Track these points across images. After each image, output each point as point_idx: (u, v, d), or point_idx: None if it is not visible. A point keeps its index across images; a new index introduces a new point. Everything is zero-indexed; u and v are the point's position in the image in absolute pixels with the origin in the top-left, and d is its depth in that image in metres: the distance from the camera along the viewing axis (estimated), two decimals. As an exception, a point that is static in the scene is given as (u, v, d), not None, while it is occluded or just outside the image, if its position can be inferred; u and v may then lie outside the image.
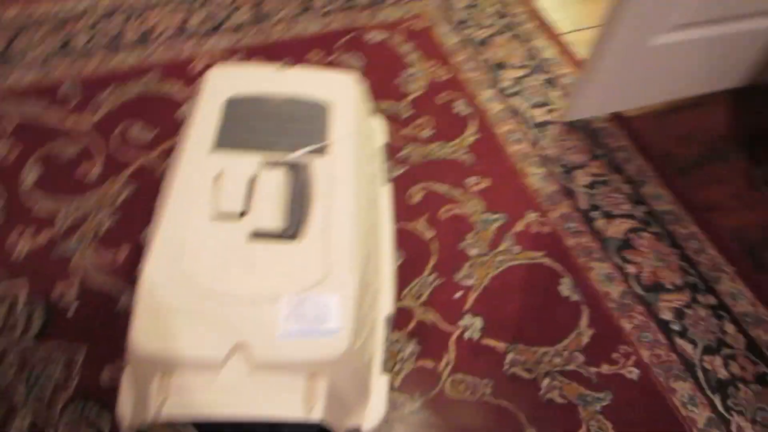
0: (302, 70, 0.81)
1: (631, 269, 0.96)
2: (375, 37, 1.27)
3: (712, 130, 1.18)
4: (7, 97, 1.09)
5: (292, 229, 0.65)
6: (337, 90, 0.78)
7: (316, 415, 0.55)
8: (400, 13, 1.33)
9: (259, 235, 0.64)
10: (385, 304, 0.74)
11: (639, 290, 0.94)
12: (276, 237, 0.64)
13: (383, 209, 0.84)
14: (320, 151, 0.71)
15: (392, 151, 1.07)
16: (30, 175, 0.99)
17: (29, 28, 1.22)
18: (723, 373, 0.87)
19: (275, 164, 0.69)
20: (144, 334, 0.57)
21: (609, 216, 1.02)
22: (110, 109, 1.09)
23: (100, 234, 0.93)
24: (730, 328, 0.92)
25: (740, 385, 0.86)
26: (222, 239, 0.63)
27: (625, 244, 0.99)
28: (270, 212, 0.66)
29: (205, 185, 0.67)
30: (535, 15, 1.34)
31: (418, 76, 1.20)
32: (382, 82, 1.18)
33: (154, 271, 0.60)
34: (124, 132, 1.06)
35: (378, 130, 0.91)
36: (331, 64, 1.20)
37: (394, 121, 1.12)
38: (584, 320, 0.90)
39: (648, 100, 1.16)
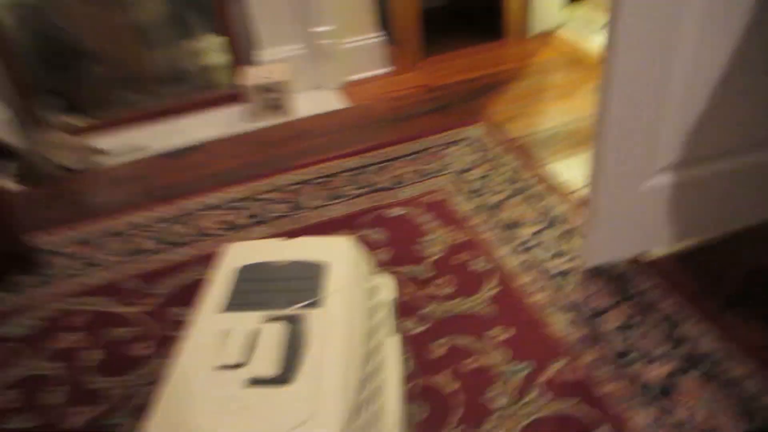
0: (305, 239, 0.92)
1: (681, 413, 0.88)
2: (396, 212, 1.40)
3: (748, 265, 1.14)
4: (81, 295, 1.26)
5: (285, 375, 0.68)
6: (334, 252, 0.86)
7: None
8: (419, 189, 1.47)
9: (255, 382, 0.68)
10: (389, 453, 0.72)
11: (691, 436, 0.85)
12: (270, 383, 0.68)
13: (390, 358, 0.86)
14: (315, 304, 0.77)
15: (412, 309, 1.11)
16: (91, 358, 1.10)
17: (103, 242, 1.45)
18: None
19: (275, 319, 0.75)
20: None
21: (648, 357, 0.97)
22: (167, 297, 1.23)
23: (143, 407, 0.99)
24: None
25: None
26: (221, 388, 0.68)
27: (671, 386, 0.92)
28: (267, 361, 0.70)
29: (212, 342, 0.73)
30: (544, 178, 1.44)
31: (436, 241, 1.28)
32: (403, 250, 1.27)
33: (159, 418, 0.65)
34: (177, 315, 1.18)
35: (384, 287, 0.97)
36: (360, 239, 1.31)
37: (415, 282, 1.18)
38: (627, 472, 0.81)
39: (671, 241, 1.16)
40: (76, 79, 2.09)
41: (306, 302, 0.78)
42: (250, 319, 0.76)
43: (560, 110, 1.78)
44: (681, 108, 0.96)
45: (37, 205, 1.66)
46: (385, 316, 0.91)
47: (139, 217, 1.52)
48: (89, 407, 1.00)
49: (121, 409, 0.99)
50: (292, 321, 0.75)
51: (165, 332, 1.14)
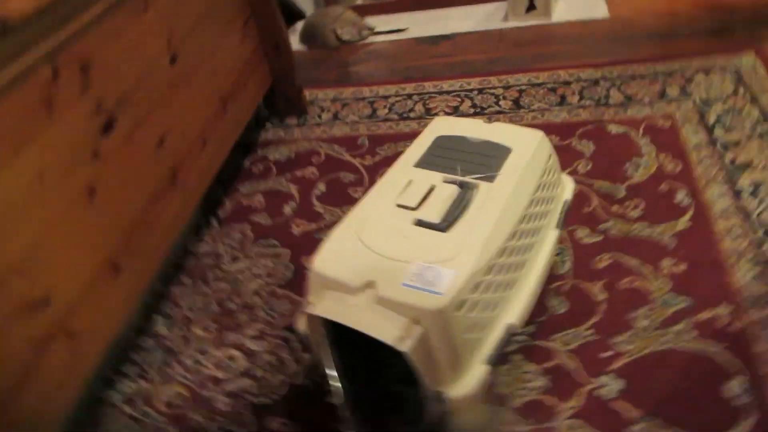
0: (501, 124, 1.00)
1: (838, 395, 0.80)
2: (615, 129, 1.36)
3: None
4: (325, 141, 1.56)
5: (444, 225, 0.82)
6: (522, 140, 0.94)
7: (404, 347, 0.70)
8: (648, 112, 1.39)
9: (420, 223, 0.83)
10: (513, 314, 0.83)
11: (842, 420, 0.78)
12: (431, 227, 0.82)
13: (545, 246, 0.93)
14: (488, 179, 0.88)
15: (592, 221, 1.14)
16: (318, 188, 1.40)
17: (351, 103, 1.71)
18: None
19: (452, 181, 0.89)
20: (321, 261, 0.81)
21: (828, 336, 0.87)
22: (384, 157, 1.45)
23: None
24: None
25: None
26: (393, 220, 0.85)
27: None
28: (435, 211, 0.84)
29: (398, 187, 0.90)
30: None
31: (645, 166, 1.24)
32: (607, 166, 1.26)
33: (342, 228, 0.86)
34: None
35: (564, 186, 1.01)
36: (566, 147, 1.34)
37: (604, 198, 1.19)
38: (745, 427, 0.79)
39: None
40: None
41: (481, 175, 0.89)
42: (432, 177, 0.90)
43: None
44: None
45: (312, 64, 2.01)
46: (554, 210, 0.97)
47: (384, 88, 1.75)
48: (307, 222, 1.30)
49: (327, 229, 1.26)
50: (464, 186, 0.87)
51: (377, 184, 1.37)
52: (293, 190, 1.41)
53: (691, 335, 0.91)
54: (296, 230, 1.29)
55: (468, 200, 0.86)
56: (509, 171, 0.90)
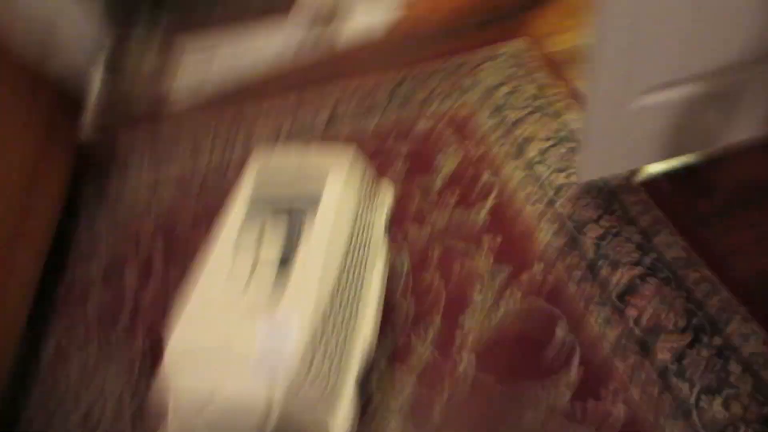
0: (315, 149, 1.06)
1: (631, 312, 0.99)
2: (423, 124, 1.50)
3: (740, 180, 1.17)
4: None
5: (285, 259, 0.86)
6: (336, 162, 1.00)
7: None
8: (449, 103, 1.55)
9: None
10: (365, 333, 0.90)
11: (638, 332, 0.97)
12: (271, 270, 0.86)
13: (378, 255, 1.02)
14: (313, 203, 0.93)
15: (418, 217, 1.26)
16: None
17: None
18: (722, 414, 0.85)
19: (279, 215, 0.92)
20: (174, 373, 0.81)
21: (615, 264, 1.07)
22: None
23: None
24: (735, 368, 0.89)
25: (741, 426, 0.83)
26: (227, 305, 0.85)
27: (629, 290, 1.03)
28: (273, 250, 0.87)
29: (225, 263, 0.90)
30: (567, 96, 1.47)
31: (453, 155, 1.39)
32: (422, 161, 1.39)
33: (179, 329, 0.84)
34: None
35: (384, 192, 1.11)
36: (383, 150, 1.44)
37: (425, 192, 1.31)
38: (576, 359, 0.95)
39: (663, 158, 1.20)
40: None
41: (305, 200, 0.93)
42: (260, 220, 0.93)
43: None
44: (667, 29, 0.97)
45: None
46: (378, 221, 1.06)
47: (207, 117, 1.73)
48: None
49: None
50: (292, 216, 0.91)
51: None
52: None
53: (518, 296, 1.06)
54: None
55: (299, 230, 0.90)
56: (329, 192, 0.95)
